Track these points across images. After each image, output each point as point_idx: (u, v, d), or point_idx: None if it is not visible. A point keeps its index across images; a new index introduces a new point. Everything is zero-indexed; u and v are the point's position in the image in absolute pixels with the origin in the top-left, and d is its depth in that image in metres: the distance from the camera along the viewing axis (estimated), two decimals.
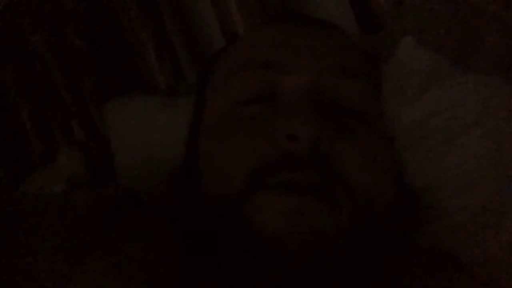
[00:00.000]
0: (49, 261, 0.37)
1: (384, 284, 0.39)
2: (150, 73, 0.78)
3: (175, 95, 0.73)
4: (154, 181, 0.61)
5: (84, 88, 0.86)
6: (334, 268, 0.37)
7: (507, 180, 0.41)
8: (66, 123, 0.88)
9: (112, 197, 0.48)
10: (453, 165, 0.43)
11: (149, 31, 0.79)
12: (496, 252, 0.40)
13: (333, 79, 0.44)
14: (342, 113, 0.44)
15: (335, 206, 0.38)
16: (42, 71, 0.89)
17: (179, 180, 0.51)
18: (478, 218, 0.41)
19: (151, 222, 0.45)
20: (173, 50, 0.81)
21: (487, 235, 0.41)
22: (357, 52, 0.49)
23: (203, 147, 0.47)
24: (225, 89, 0.47)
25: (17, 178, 0.89)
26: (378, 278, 0.38)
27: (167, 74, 0.78)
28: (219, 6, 0.72)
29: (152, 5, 0.80)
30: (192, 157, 0.48)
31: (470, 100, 0.43)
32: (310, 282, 0.37)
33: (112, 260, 0.38)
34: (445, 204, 0.44)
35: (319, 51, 0.46)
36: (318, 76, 0.44)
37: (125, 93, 0.77)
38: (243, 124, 0.43)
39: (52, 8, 0.86)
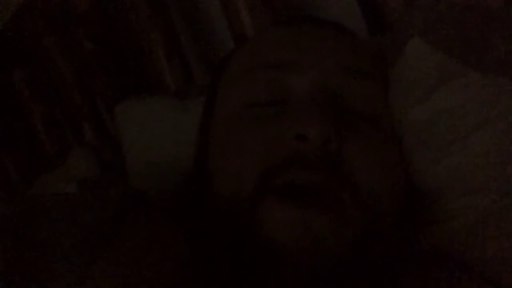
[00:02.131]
0: (61, 262, 0.37)
1: (387, 286, 0.39)
2: (160, 75, 0.79)
3: (184, 96, 0.73)
4: (165, 183, 0.61)
5: (95, 89, 0.86)
6: (338, 275, 0.38)
7: None
8: (77, 125, 0.89)
9: (123, 199, 0.48)
10: (461, 166, 0.43)
11: (159, 33, 0.79)
12: (502, 254, 0.40)
13: (342, 80, 0.44)
14: (351, 114, 0.44)
15: (342, 213, 0.38)
16: (53, 73, 0.90)
17: (190, 181, 0.51)
18: (485, 219, 0.41)
19: (162, 224, 0.45)
20: (183, 52, 0.81)
21: (494, 237, 0.41)
22: (365, 52, 0.49)
23: (213, 148, 0.47)
24: (235, 90, 0.47)
25: (29, 179, 0.90)
26: (381, 280, 0.38)
27: (177, 75, 0.79)
28: (228, 8, 0.73)
29: (162, 7, 0.80)
30: (203, 158, 0.49)
31: (478, 101, 0.43)
32: None
33: (122, 261, 0.38)
34: (452, 205, 0.44)
35: (328, 51, 0.46)
36: (327, 77, 0.44)
37: (135, 94, 0.77)
38: (253, 125, 0.43)
39: (63, 11, 0.86)
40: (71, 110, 0.90)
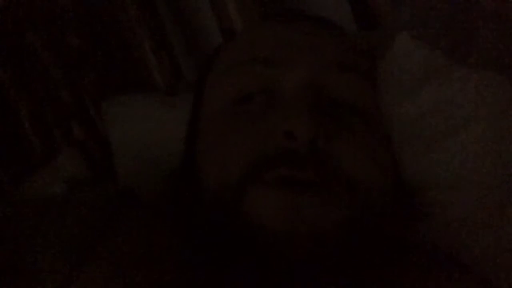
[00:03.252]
0: (50, 262, 0.37)
1: (383, 282, 0.39)
2: (149, 72, 0.79)
3: (173, 93, 0.73)
4: (154, 180, 0.61)
5: (83, 87, 0.86)
6: (332, 264, 0.38)
7: (505, 176, 0.41)
8: (65, 123, 0.88)
9: (111, 197, 0.48)
10: (451, 160, 0.43)
11: (147, 30, 0.79)
12: (494, 248, 0.40)
13: (331, 76, 0.44)
14: (340, 110, 0.44)
15: (334, 202, 0.38)
16: (41, 71, 0.90)
17: (179, 178, 0.51)
18: (476, 214, 0.42)
19: (151, 221, 0.45)
20: (172, 49, 0.81)
21: (485, 232, 0.41)
22: (354, 48, 0.49)
23: (201, 143, 0.47)
24: (224, 85, 0.47)
25: (17, 178, 0.89)
26: (377, 276, 0.38)
27: (165, 72, 0.78)
28: (217, 4, 0.72)
29: (150, 4, 0.80)
30: (191, 154, 0.49)
31: (466, 96, 0.43)
32: (308, 278, 0.37)
33: (112, 260, 0.38)
34: (443, 200, 0.44)
35: (317, 47, 0.46)
36: (316, 73, 0.44)
37: (124, 92, 0.77)
38: (241, 120, 0.43)
39: (50, 7, 0.85)
40: (59, 108, 0.89)
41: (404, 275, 0.39)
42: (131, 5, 0.78)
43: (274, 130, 0.40)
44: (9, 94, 0.93)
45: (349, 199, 0.39)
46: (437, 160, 0.44)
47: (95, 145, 0.83)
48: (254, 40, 0.49)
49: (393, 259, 0.40)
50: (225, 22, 0.72)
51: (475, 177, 0.42)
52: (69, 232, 0.40)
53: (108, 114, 0.74)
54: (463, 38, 0.45)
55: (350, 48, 0.48)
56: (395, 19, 0.51)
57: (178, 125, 0.57)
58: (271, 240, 0.37)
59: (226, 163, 0.41)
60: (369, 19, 0.63)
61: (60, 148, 0.84)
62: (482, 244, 0.40)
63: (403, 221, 0.45)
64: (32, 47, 0.89)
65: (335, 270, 0.37)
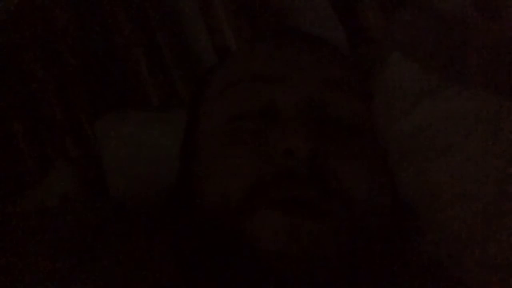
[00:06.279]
0: (40, 277, 0.37)
1: None
2: (143, 89, 0.79)
3: (168, 110, 0.73)
4: (147, 197, 0.61)
5: (77, 104, 0.86)
6: (330, 283, 0.38)
7: (500, 191, 0.41)
8: (59, 140, 0.88)
9: (104, 214, 0.48)
10: (445, 177, 0.44)
11: (141, 47, 0.79)
12: (490, 263, 0.40)
13: (328, 93, 0.45)
14: (337, 127, 0.44)
15: (333, 223, 0.38)
16: (35, 88, 0.89)
17: (174, 196, 0.51)
18: (472, 229, 0.42)
19: (144, 238, 0.45)
20: (166, 66, 0.81)
21: (481, 246, 0.41)
22: (348, 66, 0.50)
23: (198, 162, 0.47)
24: (220, 103, 0.47)
25: (10, 195, 0.88)
26: None
27: (160, 89, 0.78)
28: (210, 21, 0.73)
29: (144, 21, 0.80)
30: (187, 172, 0.48)
31: (460, 113, 0.43)
32: None
33: (103, 277, 0.38)
34: (439, 215, 0.44)
35: (313, 65, 0.46)
36: (313, 91, 0.44)
37: (118, 109, 0.77)
38: (239, 139, 0.43)
39: (44, 25, 0.86)
40: (53, 125, 0.89)
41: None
42: (125, 23, 0.79)
43: (274, 149, 0.40)
44: (3, 111, 0.93)
45: (348, 219, 0.39)
46: (433, 177, 0.44)
47: (89, 162, 0.83)
48: (250, 58, 0.50)
49: (391, 276, 0.40)
50: (218, 39, 0.73)
51: (471, 193, 0.42)
52: (60, 248, 0.40)
53: (101, 132, 0.74)
54: (455, 57, 0.46)
55: (345, 66, 0.49)
56: (388, 38, 0.51)
57: (172, 142, 0.57)
58: (270, 262, 0.37)
59: (226, 184, 0.41)
60: (361, 39, 0.64)
61: (54, 165, 0.84)
62: (479, 257, 0.40)
63: (400, 238, 0.45)
64: (28, 65, 0.89)
65: None
